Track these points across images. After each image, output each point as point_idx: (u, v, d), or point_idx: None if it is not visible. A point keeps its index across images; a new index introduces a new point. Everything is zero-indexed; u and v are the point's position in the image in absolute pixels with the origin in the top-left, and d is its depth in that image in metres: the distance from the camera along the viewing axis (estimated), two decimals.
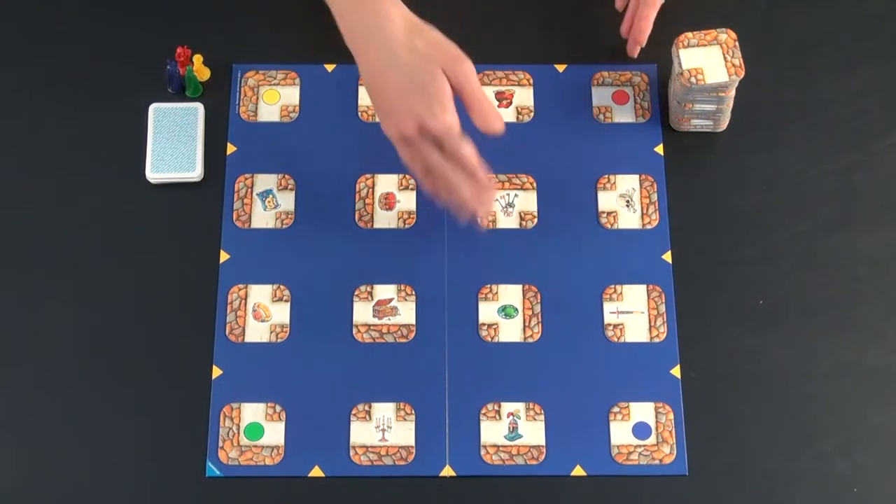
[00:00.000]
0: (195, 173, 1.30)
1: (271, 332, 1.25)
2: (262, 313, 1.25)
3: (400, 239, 1.28)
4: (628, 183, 1.31)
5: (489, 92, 1.34)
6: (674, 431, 1.21)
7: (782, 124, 1.34)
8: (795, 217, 1.30)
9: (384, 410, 1.22)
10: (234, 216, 1.29)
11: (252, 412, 1.22)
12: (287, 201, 1.30)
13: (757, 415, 1.22)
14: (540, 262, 1.27)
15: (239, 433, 1.21)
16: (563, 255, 1.27)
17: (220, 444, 1.20)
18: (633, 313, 1.25)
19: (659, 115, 1.33)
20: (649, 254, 1.28)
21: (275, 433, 1.21)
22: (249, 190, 1.30)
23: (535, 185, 1.30)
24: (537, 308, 1.25)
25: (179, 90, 1.34)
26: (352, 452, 1.20)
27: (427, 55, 1.15)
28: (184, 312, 1.25)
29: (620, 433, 1.21)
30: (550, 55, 1.36)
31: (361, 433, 1.21)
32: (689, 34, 1.29)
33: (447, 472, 1.20)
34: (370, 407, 1.22)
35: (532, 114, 1.34)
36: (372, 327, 1.25)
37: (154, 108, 1.32)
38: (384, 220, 1.29)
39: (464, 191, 1.20)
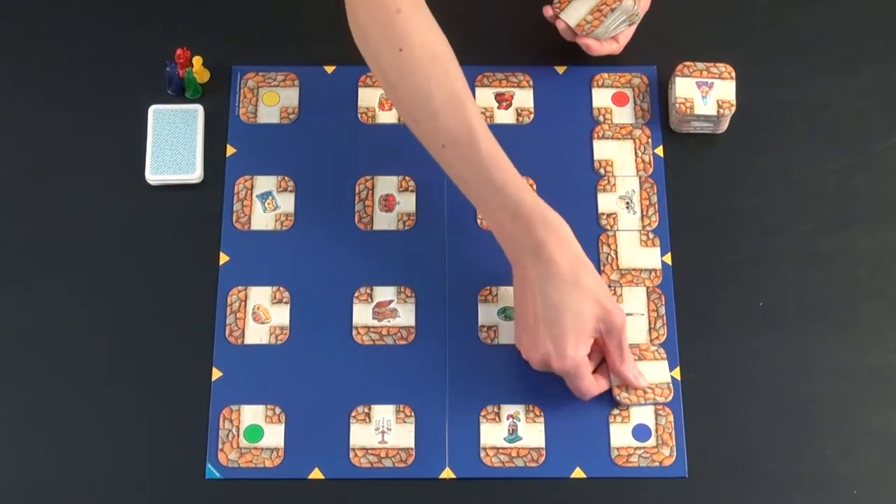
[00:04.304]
0: (195, 175, 1.30)
1: (271, 334, 1.25)
2: (261, 315, 1.25)
3: (400, 241, 1.28)
4: (628, 184, 1.31)
5: (489, 94, 1.34)
6: (673, 433, 1.21)
7: (782, 125, 1.34)
8: (795, 218, 1.30)
9: (384, 412, 1.22)
10: (234, 218, 1.29)
11: (252, 414, 1.22)
12: (287, 203, 1.30)
13: (757, 416, 1.22)
14: None
15: (238, 435, 1.21)
16: None
17: (220, 446, 1.21)
18: (633, 315, 1.25)
19: (659, 117, 1.33)
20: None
21: (274, 435, 1.21)
22: (249, 192, 1.30)
23: (534, 186, 1.30)
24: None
25: (179, 92, 1.34)
26: (351, 454, 1.20)
27: (583, 299, 1.15)
28: (183, 314, 1.25)
29: (620, 435, 1.21)
30: (550, 57, 1.36)
31: (361, 435, 1.21)
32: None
33: (447, 473, 1.20)
34: (370, 409, 1.22)
35: (532, 115, 1.34)
36: (372, 329, 1.25)
37: (154, 110, 1.32)
38: (384, 221, 1.29)
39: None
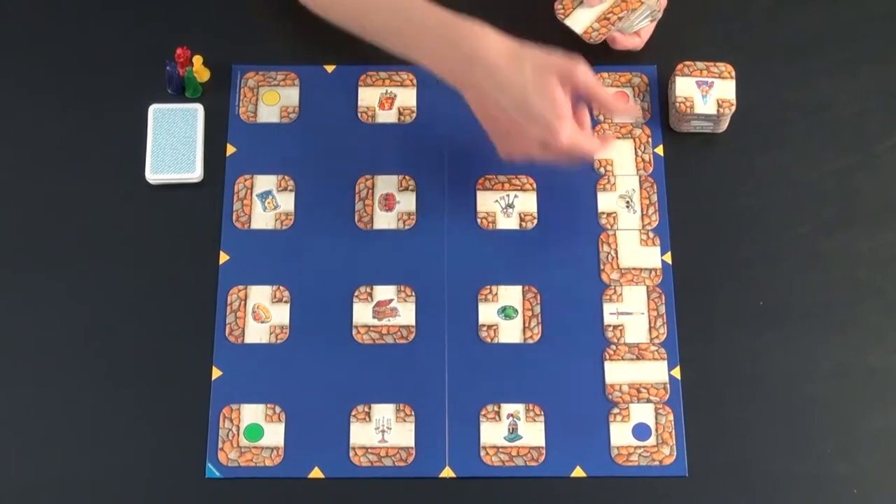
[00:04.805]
0: (195, 174, 1.30)
1: (271, 333, 1.25)
2: (261, 314, 1.25)
3: (400, 240, 1.28)
4: (628, 184, 1.31)
5: None
6: (674, 432, 1.21)
7: (782, 125, 1.34)
8: (795, 218, 1.30)
9: (384, 411, 1.22)
10: (234, 217, 1.29)
11: (252, 413, 1.22)
12: (287, 202, 1.30)
13: (757, 416, 1.22)
14: (540, 263, 1.27)
15: (238, 434, 1.21)
16: (563, 256, 1.27)
17: (220, 445, 1.20)
18: (633, 314, 1.25)
19: (659, 116, 1.33)
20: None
21: (274, 434, 1.21)
22: (249, 191, 1.30)
23: (535, 186, 1.30)
24: (537, 309, 1.25)
25: (179, 91, 1.34)
26: (351, 453, 1.20)
27: (536, 76, 1.16)
28: (183, 313, 1.25)
29: (620, 434, 1.21)
30: None
31: (361, 434, 1.21)
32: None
33: (447, 473, 1.20)
34: (370, 408, 1.22)
35: None
36: (372, 328, 1.25)
37: (154, 109, 1.32)
38: (384, 220, 1.29)
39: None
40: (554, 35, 1.33)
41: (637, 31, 1.32)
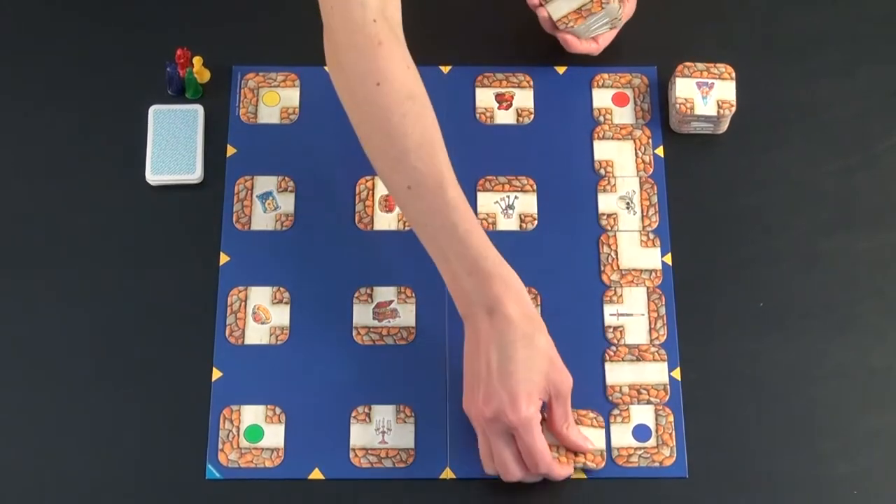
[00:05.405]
0: (195, 175, 1.30)
1: (271, 335, 1.25)
2: (261, 315, 1.25)
3: (400, 241, 1.28)
4: (629, 185, 1.31)
5: (489, 94, 1.34)
6: (674, 434, 1.21)
7: (782, 125, 1.34)
8: (795, 218, 1.30)
9: (384, 413, 1.22)
10: (234, 218, 1.29)
11: (252, 414, 1.22)
12: (287, 203, 1.30)
13: (757, 417, 1.22)
14: (540, 265, 1.27)
15: (239, 435, 1.21)
16: (563, 257, 1.27)
17: (220, 446, 1.20)
18: (633, 315, 1.25)
19: (659, 117, 1.33)
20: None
21: (275, 435, 1.21)
22: (249, 192, 1.30)
23: (535, 187, 1.30)
24: (537, 310, 1.25)
25: (179, 92, 1.34)
26: (352, 455, 1.20)
27: (537, 356, 1.12)
28: (184, 314, 1.25)
29: (620, 435, 1.21)
30: (550, 57, 1.36)
31: (361, 435, 1.21)
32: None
33: (447, 474, 1.20)
34: (370, 409, 1.22)
35: (532, 116, 1.34)
36: (372, 329, 1.25)
37: (154, 110, 1.32)
38: (384, 222, 1.29)
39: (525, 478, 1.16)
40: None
41: (595, 36, 1.32)
